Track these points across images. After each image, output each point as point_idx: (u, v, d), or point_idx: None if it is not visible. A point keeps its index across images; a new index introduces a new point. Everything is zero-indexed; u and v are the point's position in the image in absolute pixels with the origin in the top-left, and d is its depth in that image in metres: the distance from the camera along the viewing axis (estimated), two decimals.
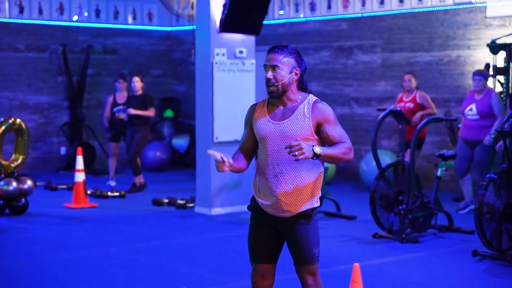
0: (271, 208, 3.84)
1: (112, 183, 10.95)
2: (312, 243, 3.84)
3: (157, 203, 9.45)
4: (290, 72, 3.74)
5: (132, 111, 10.27)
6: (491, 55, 9.11)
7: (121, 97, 10.89)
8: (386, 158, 9.74)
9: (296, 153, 3.53)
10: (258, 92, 9.24)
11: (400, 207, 7.33)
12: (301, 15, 12.24)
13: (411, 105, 9.29)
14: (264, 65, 3.82)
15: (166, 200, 9.50)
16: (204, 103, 8.91)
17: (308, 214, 3.83)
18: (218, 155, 3.69)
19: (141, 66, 13.55)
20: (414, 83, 9.42)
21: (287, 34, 12.44)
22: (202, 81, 8.95)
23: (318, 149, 3.61)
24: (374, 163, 8.58)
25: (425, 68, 10.77)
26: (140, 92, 10.49)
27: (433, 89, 10.57)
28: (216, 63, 8.74)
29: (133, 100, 10.48)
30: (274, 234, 3.93)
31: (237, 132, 8.94)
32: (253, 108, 3.93)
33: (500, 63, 9.04)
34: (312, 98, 3.79)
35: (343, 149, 3.72)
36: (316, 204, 3.87)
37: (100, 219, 8.56)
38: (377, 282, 5.75)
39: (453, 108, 10.22)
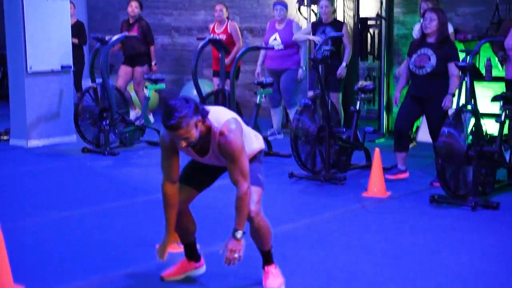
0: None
1: None
2: (257, 169, 4.02)
3: None
4: (197, 127, 3.65)
5: None
6: None
7: None
8: (207, 88, 9.81)
9: (235, 258, 3.78)
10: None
11: None
12: None
13: (223, 36, 9.18)
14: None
15: None
16: (15, 31, 8.43)
17: (253, 156, 3.99)
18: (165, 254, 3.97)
19: None
20: (225, 13, 9.36)
21: None
22: (11, 8, 8.44)
23: (240, 234, 3.78)
24: (194, 92, 8.64)
25: None
26: None
27: (252, 18, 10.73)
28: None
29: None
30: (213, 168, 4.04)
31: (52, 62, 8.60)
32: (168, 140, 3.79)
33: None
34: (217, 130, 3.71)
35: (243, 202, 3.77)
36: (257, 145, 4.02)
37: None
38: (197, 205, 5.85)
39: None
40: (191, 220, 4.15)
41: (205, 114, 3.68)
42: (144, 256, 4.57)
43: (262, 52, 9.00)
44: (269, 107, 9.26)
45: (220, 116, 3.76)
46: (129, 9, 9.52)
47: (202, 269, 4.26)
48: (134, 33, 9.27)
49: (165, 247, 3.97)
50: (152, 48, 9.59)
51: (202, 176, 4.07)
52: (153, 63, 9.61)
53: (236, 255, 3.76)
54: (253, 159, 4.01)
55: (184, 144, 3.68)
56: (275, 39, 8.76)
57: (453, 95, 6.43)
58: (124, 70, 9.60)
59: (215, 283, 4.16)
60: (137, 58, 9.55)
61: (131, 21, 9.55)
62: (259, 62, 9.10)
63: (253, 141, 4.00)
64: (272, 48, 8.74)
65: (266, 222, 4.00)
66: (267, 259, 4.09)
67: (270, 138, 8.93)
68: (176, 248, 4.47)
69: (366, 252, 4.68)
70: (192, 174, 4.07)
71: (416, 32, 7.60)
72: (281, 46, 8.70)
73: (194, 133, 3.63)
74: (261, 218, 3.95)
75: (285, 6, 8.81)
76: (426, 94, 6.50)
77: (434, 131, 6.50)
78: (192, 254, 4.21)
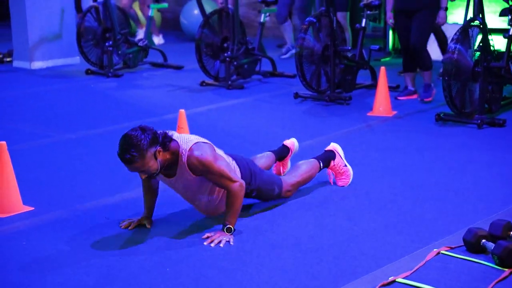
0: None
1: None
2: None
3: None
4: (156, 158, 3.49)
5: None
6: None
7: None
8: (208, 7, 9.66)
9: (215, 242, 3.54)
10: None
11: (226, 54, 7.39)
12: None
13: None
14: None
15: None
16: None
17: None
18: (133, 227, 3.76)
19: None
20: None
21: None
22: None
23: (229, 227, 3.60)
24: (196, 12, 8.53)
25: None
26: None
27: None
28: None
29: None
30: None
31: None
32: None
33: None
34: (184, 152, 3.56)
35: (235, 198, 3.61)
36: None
37: None
38: (204, 126, 5.87)
39: None
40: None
41: (166, 142, 3.53)
42: None
43: None
44: (273, 27, 9.14)
45: (187, 139, 3.62)
46: None
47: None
48: None
49: (135, 224, 3.78)
50: None
51: None
52: None
53: (221, 240, 3.55)
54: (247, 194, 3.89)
55: (143, 176, 3.61)
56: None
57: (446, 9, 6.33)
58: None
59: None
60: None
61: None
62: None
63: (233, 170, 3.75)
64: None
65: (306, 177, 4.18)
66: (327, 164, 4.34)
67: (286, 56, 8.86)
68: None
69: (371, 169, 4.71)
70: None
71: None
72: None
73: (154, 165, 3.50)
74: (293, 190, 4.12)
75: None
76: (414, 6, 6.38)
77: (420, 40, 6.39)
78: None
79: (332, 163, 4.37)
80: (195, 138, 3.65)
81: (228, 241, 3.56)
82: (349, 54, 6.91)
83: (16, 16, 8.51)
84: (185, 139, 3.63)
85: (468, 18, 5.95)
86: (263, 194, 4.00)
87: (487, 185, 4.40)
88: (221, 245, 3.53)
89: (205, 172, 3.61)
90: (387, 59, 8.81)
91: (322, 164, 4.31)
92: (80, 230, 3.77)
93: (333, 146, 4.46)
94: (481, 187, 4.37)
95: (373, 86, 6.93)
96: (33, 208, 4.06)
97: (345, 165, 4.40)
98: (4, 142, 3.99)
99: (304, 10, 8.72)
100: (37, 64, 8.54)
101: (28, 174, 4.66)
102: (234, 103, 6.82)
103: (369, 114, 6.22)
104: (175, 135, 3.66)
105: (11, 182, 3.99)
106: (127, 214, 3.96)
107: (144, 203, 3.85)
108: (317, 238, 3.63)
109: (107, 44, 8.09)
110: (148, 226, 3.78)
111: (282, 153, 4.51)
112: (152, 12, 8.52)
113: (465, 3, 6.07)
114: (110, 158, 5.07)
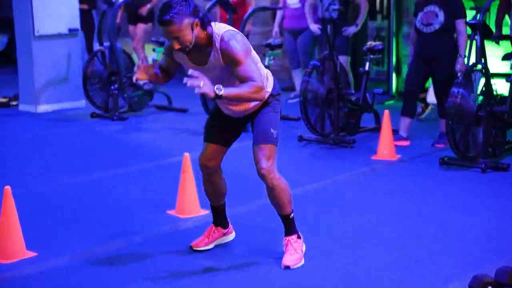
0: (230, 112, 3.86)
1: None
2: (269, 122, 3.77)
3: None
4: (192, 29, 3.51)
5: None
6: None
7: None
8: None
9: (195, 85, 3.40)
10: None
11: None
12: None
13: None
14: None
15: None
16: None
17: (265, 102, 3.77)
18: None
19: None
20: None
21: None
22: None
23: (219, 91, 3.45)
24: None
25: None
26: None
27: None
28: None
29: None
30: (232, 123, 3.90)
31: (59, 25, 8.56)
32: (169, 46, 3.71)
33: None
34: (218, 36, 3.56)
35: (250, 87, 3.51)
36: (269, 89, 3.78)
37: None
38: None
39: None
40: (222, 181, 4.04)
41: (204, 19, 3.54)
42: (156, 221, 4.60)
43: (280, 12, 8.93)
44: (279, 70, 9.21)
45: (224, 26, 3.63)
46: None
47: (232, 236, 4.19)
48: None
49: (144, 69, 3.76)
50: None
51: (223, 131, 3.92)
52: (148, 6, 9.49)
53: (200, 84, 3.40)
54: (266, 104, 3.79)
55: (176, 46, 3.54)
56: None
57: (464, 57, 6.36)
58: (131, 30, 9.54)
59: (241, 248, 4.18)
60: (140, 15, 9.44)
61: None
62: (277, 22, 9.02)
63: (265, 76, 3.73)
64: (280, 8, 8.67)
65: (281, 182, 3.80)
66: (287, 227, 3.89)
67: (293, 101, 8.91)
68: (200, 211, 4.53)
69: (376, 213, 4.69)
70: (213, 131, 3.95)
71: None
72: (298, 5, 8.65)
73: (188, 35, 3.51)
74: (274, 177, 3.76)
75: None
76: (434, 53, 6.43)
77: (440, 92, 6.46)
78: (220, 220, 4.11)
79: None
80: (230, 28, 3.64)
81: (200, 88, 3.39)
82: (353, 98, 6.95)
83: (23, 60, 8.60)
84: (220, 26, 3.62)
85: (470, 62, 6.00)
86: (267, 123, 3.77)
87: (493, 230, 4.38)
88: (196, 91, 3.40)
89: (231, 62, 3.56)
90: (391, 102, 8.85)
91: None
92: (83, 277, 3.75)
93: None
94: (487, 232, 4.34)
95: (377, 129, 6.95)
96: (36, 254, 4.04)
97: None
98: (8, 187, 4.00)
99: (307, 53, 8.80)
100: (43, 108, 8.60)
101: (32, 218, 4.66)
102: (239, 147, 6.82)
103: (373, 157, 6.23)
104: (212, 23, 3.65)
105: (15, 227, 3.99)
106: (132, 259, 3.95)
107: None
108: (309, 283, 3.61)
109: (112, 87, 8.16)
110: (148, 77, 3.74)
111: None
112: (158, 56, 8.60)
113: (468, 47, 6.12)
114: (114, 202, 5.08)
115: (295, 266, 3.80)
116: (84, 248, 4.17)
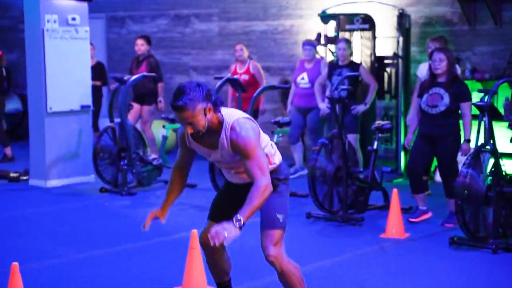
0: (240, 181, 3.89)
1: None
2: (276, 208, 3.75)
3: None
4: (205, 114, 3.54)
5: None
6: (323, 24, 9.44)
7: None
8: None
9: (221, 240, 3.39)
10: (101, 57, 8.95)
11: None
12: None
13: (246, 77, 9.26)
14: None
15: None
16: (36, 72, 8.54)
17: (273, 184, 3.72)
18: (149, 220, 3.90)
19: None
20: (246, 52, 9.45)
21: (121, 2, 12.18)
22: (32, 49, 8.57)
23: (240, 223, 3.45)
24: None
25: (260, 37, 10.96)
26: None
27: (269, 57, 10.81)
28: (47, 30, 8.41)
29: None
30: (241, 193, 3.78)
31: (71, 102, 8.69)
32: (182, 134, 3.80)
33: (331, 33, 9.40)
34: (228, 125, 3.57)
35: (259, 194, 3.49)
36: (278, 174, 3.80)
37: None
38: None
39: (288, 76, 10.52)
40: (226, 258, 4.05)
41: (217, 103, 3.55)
42: None
43: (292, 90, 9.07)
44: (286, 146, 9.27)
45: (234, 113, 3.64)
46: (136, 48, 9.55)
47: None
48: (143, 70, 9.27)
49: (149, 218, 3.89)
50: (160, 85, 9.54)
51: (230, 210, 3.83)
52: (158, 100, 9.58)
53: (224, 234, 3.38)
54: (273, 188, 3.69)
55: (190, 130, 3.55)
56: (302, 78, 8.89)
57: (469, 141, 6.40)
58: (134, 108, 9.62)
59: None
60: (146, 96, 9.54)
61: (140, 58, 9.59)
62: (290, 100, 9.16)
63: (273, 154, 3.78)
64: (289, 88, 8.83)
65: (291, 266, 3.77)
66: None
67: (294, 176, 8.92)
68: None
69: None
70: (219, 208, 3.97)
71: (422, 72, 7.59)
72: (308, 85, 8.80)
73: (202, 120, 3.51)
74: (283, 261, 3.74)
75: (314, 46, 8.97)
76: (439, 133, 6.48)
77: (444, 171, 6.48)
78: None
79: None
80: (241, 113, 3.63)
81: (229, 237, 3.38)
82: (361, 176, 6.96)
83: (34, 135, 8.69)
84: (230, 113, 3.61)
85: (479, 143, 6.03)
86: (271, 208, 3.75)
87: None
88: (217, 243, 3.36)
89: (240, 152, 3.54)
90: (399, 180, 8.85)
91: None
92: None
93: None
94: None
95: (386, 207, 6.93)
96: None
97: None
98: (16, 263, 3.98)
99: (316, 131, 8.89)
100: (53, 183, 8.64)
101: None
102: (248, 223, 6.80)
103: (382, 235, 6.19)
104: (226, 109, 3.65)
105: None
106: None
107: (166, 193, 3.90)
108: None
109: (122, 163, 8.21)
110: (161, 219, 3.75)
111: None
112: (168, 132, 8.69)
113: (476, 128, 6.17)
114: (122, 278, 5.04)
115: None
116: None
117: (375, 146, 7.17)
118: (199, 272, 4.67)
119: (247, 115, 3.68)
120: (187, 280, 4.67)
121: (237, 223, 3.42)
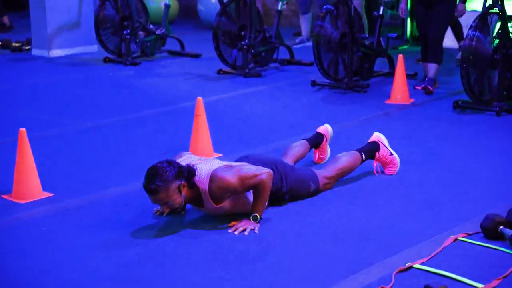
0: None
1: None
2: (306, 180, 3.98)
3: None
4: (180, 192, 3.49)
5: None
6: None
7: None
8: None
9: (240, 231, 3.53)
10: None
11: (243, 42, 7.39)
12: None
13: None
14: None
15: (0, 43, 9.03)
16: None
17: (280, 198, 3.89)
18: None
19: None
20: None
21: None
22: None
23: (255, 216, 3.59)
24: (213, 0, 8.51)
25: None
26: None
27: None
28: None
29: None
30: None
31: None
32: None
33: None
34: (203, 190, 3.54)
35: (262, 189, 3.57)
36: (276, 191, 3.83)
37: None
38: (221, 114, 5.88)
39: None
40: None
41: (190, 178, 3.52)
42: None
43: None
44: (290, 15, 9.12)
45: (204, 170, 3.55)
46: None
47: None
48: None
49: (169, 211, 3.75)
50: None
51: None
52: None
53: (246, 228, 3.55)
54: (283, 196, 3.89)
55: (165, 209, 3.59)
56: None
57: (465, 1, 6.27)
58: None
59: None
60: None
61: None
62: None
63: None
64: None
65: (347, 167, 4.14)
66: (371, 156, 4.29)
67: (298, 46, 8.84)
68: None
69: None
70: None
71: None
72: None
73: (177, 199, 3.49)
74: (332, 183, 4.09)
75: None
76: None
77: (435, 32, 6.36)
78: None
79: (377, 154, 4.32)
80: (207, 169, 3.56)
81: (253, 229, 3.55)
82: (367, 42, 6.88)
83: (35, 5, 8.55)
84: (201, 173, 3.55)
85: (487, 5, 5.90)
86: (299, 193, 3.92)
87: (506, 172, 4.38)
88: (246, 233, 3.53)
89: (229, 192, 3.58)
90: (405, 47, 8.77)
91: (365, 155, 4.24)
92: (99, 216, 3.80)
93: (377, 136, 4.39)
94: (500, 174, 4.35)
95: (391, 74, 6.90)
96: (52, 194, 4.09)
97: (391, 154, 4.34)
98: (24, 129, 4.03)
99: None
100: (56, 52, 8.58)
101: (47, 161, 4.70)
102: (252, 91, 6.83)
103: (386, 102, 6.21)
104: (197, 165, 3.59)
105: (31, 168, 4.03)
106: (146, 202, 3.98)
107: None
108: (335, 226, 3.64)
109: (125, 32, 8.11)
110: (182, 212, 3.79)
111: (316, 140, 4.52)
112: (170, 0, 8.52)
113: None
114: (129, 146, 5.11)
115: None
116: (99, 189, 4.21)
117: (381, 12, 7.04)
118: (205, 139, 4.73)
119: (214, 165, 3.59)
120: (194, 145, 4.72)
121: (254, 219, 3.59)
